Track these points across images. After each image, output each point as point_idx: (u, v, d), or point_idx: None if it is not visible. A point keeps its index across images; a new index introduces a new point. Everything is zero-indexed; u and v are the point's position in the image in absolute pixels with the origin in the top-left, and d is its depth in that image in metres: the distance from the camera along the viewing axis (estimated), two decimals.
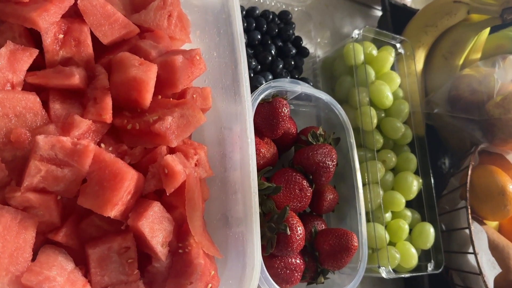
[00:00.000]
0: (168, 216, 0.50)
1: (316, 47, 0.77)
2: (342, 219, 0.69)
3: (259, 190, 0.58)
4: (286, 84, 0.63)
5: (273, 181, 0.62)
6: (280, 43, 0.73)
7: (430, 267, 0.71)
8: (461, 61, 0.86)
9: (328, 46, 0.85)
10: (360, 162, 0.69)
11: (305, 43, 0.78)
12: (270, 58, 0.70)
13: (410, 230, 0.73)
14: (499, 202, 0.72)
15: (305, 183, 0.62)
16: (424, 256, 0.74)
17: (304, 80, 0.74)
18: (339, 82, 0.76)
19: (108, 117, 0.49)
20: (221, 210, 0.55)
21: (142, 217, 0.47)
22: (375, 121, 0.71)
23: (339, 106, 0.69)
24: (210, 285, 0.51)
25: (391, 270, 0.64)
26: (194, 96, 0.57)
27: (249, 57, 0.68)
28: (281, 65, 0.71)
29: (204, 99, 0.57)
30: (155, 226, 0.48)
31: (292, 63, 0.74)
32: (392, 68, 0.82)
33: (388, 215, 0.70)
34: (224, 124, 0.57)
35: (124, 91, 0.51)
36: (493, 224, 0.81)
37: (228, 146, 0.56)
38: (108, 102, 0.49)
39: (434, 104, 0.83)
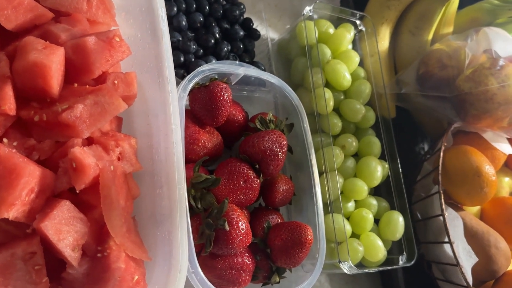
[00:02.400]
0: (81, 216, 0.44)
1: (267, 29, 0.71)
2: (301, 211, 0.63)
3: (196, 183, 0.53)
4: (224, 66, 0.57)
5: (215, 173, 0.56)
6: (226, 26, 0.68)
7: (402, 260, 0.65)
8: (430, 36, 0.80)
9: (284, 28, 0.79)
10: (318, 149, 0.63)
11: (257, 25, 0.72)
12: (213, 41, 0.64)
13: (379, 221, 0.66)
14: (475, 185, 0.66)
15: (250, 173, 0.56)
16: (397, 248, 0.67)
17: (255, 64, 0.68)
18: (293, 64, 0.70)
19: (9, 107, 0.44)
20: (150, 208, 0.50)
21: (46, 217, 0.41)
22: (331, 103, 0.65)
23: (290, 89, 0.63)
24: None
25: (352, 265, 0.58)
26: (116, 82, 0.52)
27: (188, 40, 0.62)
28: (226, 48, 0.65)
29: (128, 85, 0.52)
30: (62, 227, 0.42)
31: (241, 46, 0.68)
32: (355, 47, 0.76)
33: (351, 205, 0.64)
34: (151, 112, 0.52)
35: (27, 78, 0.45)
36: (474, 210, 0.75)
37: (155, 136, 0.50)
38: (8, 91, 0.44)
39: (403, 84, 0.77)
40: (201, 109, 0.56)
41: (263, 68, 0.69)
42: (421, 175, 0.73)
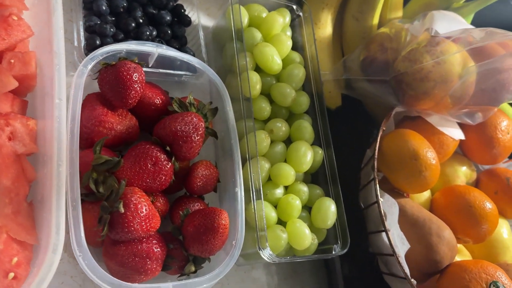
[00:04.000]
0: None
1: (198, 15, 0.69)
2: (227, 199, 0.59)
3: (96, 166, 0.50)
4: (131, 45, 0.55)
5: (124, 157, 0.53)
6: (153, 11, 0.66)
7: (336, 250, 0.61)
8: (374, 21, 0.77)
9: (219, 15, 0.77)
10: (243, 135, 0.60)
11: (189, 11, 0.70)
12: (133, 24, 0.62)
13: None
14: (412, 169, 0.62)
15: (160, 156, 0.53)
16: (334, 238, 0.63)
17: (184, 50, 0.66)
18: (224, 50, 0.68)
19: None
20: (40, 190, 0.47)
21: None
22: (258, 87, 0.62)
23: (213, 72, 0.61)
24: (12, 274, 0.42)
25: (271, 252, 0.54)
26: (12, 61, 0.50)
27: (105, 23, 0.61)
28: (147, 32, 0.63)
29: (25, 64, 0.50)
30: None
31: (169, 32, 0.66)
32: (295, 34, 0.73)
33: (279, 192, 0.61)
34: (47, 91, 0.49)
35: None
36: (422, 198, 0.70)
37: (47, 114, 0.48)
38: None
39: (346, 70, 0.74)
40: (108, 90, 0.54)
41: (192, 53, 0.67)
42: (364, 162, 0.70)
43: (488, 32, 0.61)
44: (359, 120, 0.79)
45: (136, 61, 0.55)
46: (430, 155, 0.62)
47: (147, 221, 0.49)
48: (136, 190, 0.50)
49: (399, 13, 0.80)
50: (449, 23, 0.70)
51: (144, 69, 0.60)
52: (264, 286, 0.66)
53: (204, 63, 0.60)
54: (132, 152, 0.53)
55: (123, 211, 0.47)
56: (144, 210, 0.49)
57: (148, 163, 0.52)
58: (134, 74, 0.54)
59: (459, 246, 0.73)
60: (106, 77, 0.54)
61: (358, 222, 0.69)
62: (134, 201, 0.48)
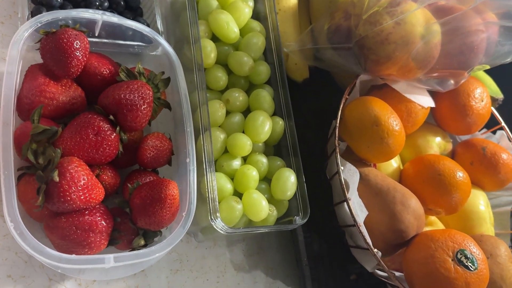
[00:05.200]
0: None
1: None
2: (181, 172, 0.57)
3: (34, 135, 0.48)
4: (71, 12, 0.53)
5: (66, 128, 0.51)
6: None
7: (296, 221, 0.59)
8: None
9: None
10: (199, 105, 0.58)
11: None
12: None
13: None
14: (373, 135, 0.59)
15: (104, 125, 0.51)
16: (297, 210, 0.61)
17: (137, 20, 0.64)
18: (180, 20, 0.66)
19: None
20: None
21: None
22: (212, 55, 0.60)
23: (164, 40, 0.59)
24: None
25: (223, 224, 0.52)
26: None
27: None
28: (98, 3, 0.61)
29: None
30: None
31: (122, 3, 0.64)
32: (259, 4, 0.71)
33: (237, 163, 0.58)
34: None
35: None
36: (390, 169, 0.68)
37: None
38: None
39: (312, 40, 0.71)
40: (49, 59, 0.52)
41: (145, 23, 0.64)
42: (329, 133, 0.67)
43: None
44: (328, 92, 0.76)
45: (79, 28, 0.53)
46: (392, 121, 0.59)
47: (86, 191, 0.47)
48: (74, 160, 0.48)
49: None
50: None
51: (92, 39, 0.59)
52: (228, 262, 0.64)
53: (154, 31, 0.58)
54: (74, 122, 0.51)
55: (57, 180, 0.45)
56: (82, 180, 0.47)
57: (89, 133, 0.50)
58: (76, 42, 0.52)
59: (433, 218, 0.71)
60: (46, 46, 0.52)
61: (327, 196, 0.67)
62: (71, 170, 0.46)
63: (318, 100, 0.76)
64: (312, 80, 0.77)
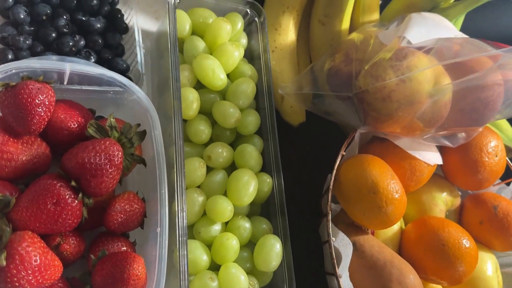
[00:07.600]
0: None
1: (136, 20, 0.61)
2: (154, 238, 0.52)
3: None
4: (33, 62, 0.47)
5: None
6: (82, 17, 0.58)
7: None
8: (343, 25, 0.67)
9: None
10: (175, 164, 0.52)
11: (127, 16, 0.62)
12: (54, 34, 0.55)
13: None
14: (370, 203, 0.53)
15: (64, 193, 0.45)
16: (282, 280, 0.55)
17: (114, 61, 0.58)
18: (163, 60, 0.60)
19: None
20: None
21: None
22: (194, 106, 0.54)
23: (138, 88, 0.53)
24: None
25: None
26: None
27: (20, 34, 0.53)
28: (71, 43, 0.55)
29: None
30: None
31: (100, 41, 0.58)
32: (252, 42, 0.65)
33: (216, 228, 0.53)
34: None
35: None
36: (390, 232, 0.62)
37: None
38: None
39: (310, 82, 0.65)
40: (9, 115, 0.47)
41: (125, 66, 0.59)
42: (324, 189, 0.61)
43: (465, 44, 0.51)
44: (327, 137, 0.70)
45: (43, 80, 0.48)
46: (392, 188, 0.53)
47: (38, 273, 0.42)
48: (25, 237, 0.42)
49: (375, 16, 0.70)
50: (427, 29, 0.60)
51: (63, 86, 0.53)
52: None
53: (127, 79, 0.52)
54: (32, 189, 0.46)
55: (4, 264, 0.40)
56: (33, 262, 0.42)
57: (48, 202, 0.45)
58: (38, 96, 0.46)
59: (435, 287, 0.64)
60: (5, 101, 0.46)
61: (318, 256, 0.61)
62: (21, 252, 0.41)
63: (314, 146, 0.70)
64: (309, 121, 0.71)
